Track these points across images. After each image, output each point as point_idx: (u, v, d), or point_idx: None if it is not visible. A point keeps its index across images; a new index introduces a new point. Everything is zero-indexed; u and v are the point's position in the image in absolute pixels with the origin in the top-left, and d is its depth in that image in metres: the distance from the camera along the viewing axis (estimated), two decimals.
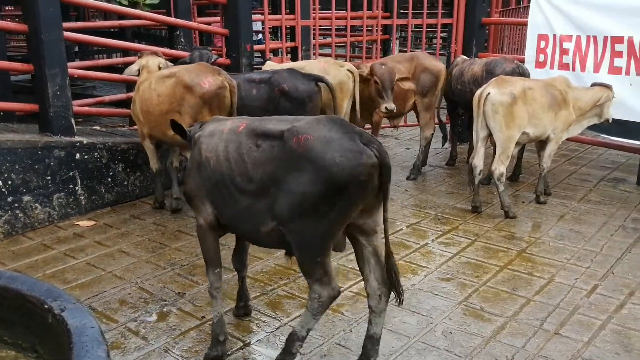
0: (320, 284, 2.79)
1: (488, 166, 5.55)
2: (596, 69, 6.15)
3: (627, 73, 5.90)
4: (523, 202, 5.74)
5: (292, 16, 7.63)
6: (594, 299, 3.85)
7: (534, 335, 3.43)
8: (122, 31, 9.07)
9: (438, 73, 6.40)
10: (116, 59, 9.07)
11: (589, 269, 4.28)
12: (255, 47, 7.30)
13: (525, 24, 7.04)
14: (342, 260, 4.35)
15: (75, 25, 6.76)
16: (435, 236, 4.93)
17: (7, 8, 14.48)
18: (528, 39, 6.89)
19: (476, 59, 6.90)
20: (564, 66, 6.46)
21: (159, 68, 5.24)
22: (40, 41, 5.08)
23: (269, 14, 7.66)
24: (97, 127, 6.61)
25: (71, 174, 5.32)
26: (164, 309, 3.77)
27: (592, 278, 4.14)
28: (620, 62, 5.95)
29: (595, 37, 6.14)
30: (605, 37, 6.03)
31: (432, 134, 6.61)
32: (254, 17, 7.53)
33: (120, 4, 7.18)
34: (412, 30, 8.57)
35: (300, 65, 5.76)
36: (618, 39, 5.93)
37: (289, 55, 7.72)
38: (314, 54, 8.00)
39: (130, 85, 7.34)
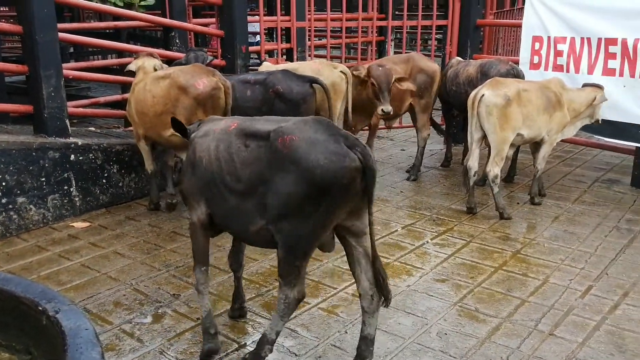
0: (290, 286, 2.84)
1: (483, 167, 5.56)
2: (590, 70, 6.18)
3: (621, 75, 5.93)
4: (518, 203, 5.75)
5: (287, 17, 7.64)
6: (589, 299, 3.87)
7: (528, 336, 3.44)
8: (117, 32, 9.05)
9: (433, 74, 6.42)
10: (111, 60, 9.04)
11: (584, 269, 4.30)
12: (251, 48, 7.30)
13: (519, 26, 7.07)
14: (338, 262, 4.35)
15: (70, 26, 6.73)
16: (430, 237, 4.94)
17: (1, 9, 14.43)
18: (522, 41, 6.91)
19: (471, 60, 6.92)
20: (558, 68, 6.49)
21: (155, 69, 5.23)
22: (34, 42, 5.07)
23: (264, 15, 7.66)
24: (92, 129, 6.60)
25: (66, 175, 5.30)
26: (159, 311, 3.77)
27: (587, 279, 4.15)
28: (614, 63, 5.98)
29: (589, 39, 6.16)
30: (599, 39, 6.06)
31: (429, 135, 6.63)
32: (251, 18, 7.53)
33: (116, 5, 7.15)
34: (407, 32, 8.55)
35: (294, 66, 5.76)
36: (612, 41, 5.95)
37: (285, 57, 7.72)
38: (310, 56, 8.00)
39: (125, 87, 7.33)
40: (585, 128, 5.98)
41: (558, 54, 6.49)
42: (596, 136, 6.60)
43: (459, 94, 6.29)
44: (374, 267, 2.91)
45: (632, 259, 4.47)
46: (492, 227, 5.15)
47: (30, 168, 5.04)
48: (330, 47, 9.18)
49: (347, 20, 8.46)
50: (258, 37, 10.62)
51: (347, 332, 3.48)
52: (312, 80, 5.27)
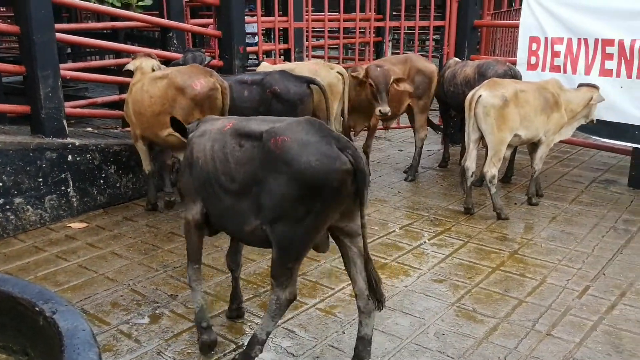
0: (282, 287, 2.85)
1: (480, 168, 5.57)
2: (587, 71, 6.19)
3: (618, 75, 5.94)
4: (515, 203, 5.76)
5: (285, 18, 7.64)
6: (586, 300, 3.87)
7: (526, 336, 3.44)
8: (114, 33, 9.04)
9: (431, 75, 6.43)
10: (109, 61, 9.03)
11: (581, 270, 4.31)
12: (249, 49, 7.30)
13: (517, 27, 7.08)
14: (335, 262, 4.35)
15: (67, 27, 6.71)
16: (427, 238, 4.94)
17: None
18: (520, 42, 6.92)
19: (468, 61, 6.92)
20: (555, 68, 6.50)
21: (152, 70, 5.23)
22: (32, 42, 5.06)
23: (262, 15, 7.66)
24: (90, 129, 6.58)
25: (63, 175, 5.30)
26: (157, 311, 3.76)
27: (584, 279, 4.16)
28: (611, 64, 5.99)
29: (586, 40, 6.17)
30: (596, 40, 6.07)
31: (427, 135, 6.64)
32: (249, 19, 7.53)
33: (113, 5, 7.14)
34: (404, 33, 8.56)
35: (290, 67, 5.76)
36: (609, 42, 5.96)
37: (282, 57, 7.72)
38: (307, 56, 8.00)
39: (122, 87, 7.32)
40: (582, 128, 6.00)
41: (555, 54, 6.50)
42: (593, 137, 6.61)
43: (456, 94, 6.29)
44: (366, 270, 2.91)
45: (629, 259, 4.48)
46: (490, 227, 5.16)
47: (28, 168, 5.04)
48: (328, 48, 9.17)
49: (344, 20, 8.46)
50: (256, 38, 10.63)
51: (344, 333, 3.48)
52: (309, 81, 5.27)
